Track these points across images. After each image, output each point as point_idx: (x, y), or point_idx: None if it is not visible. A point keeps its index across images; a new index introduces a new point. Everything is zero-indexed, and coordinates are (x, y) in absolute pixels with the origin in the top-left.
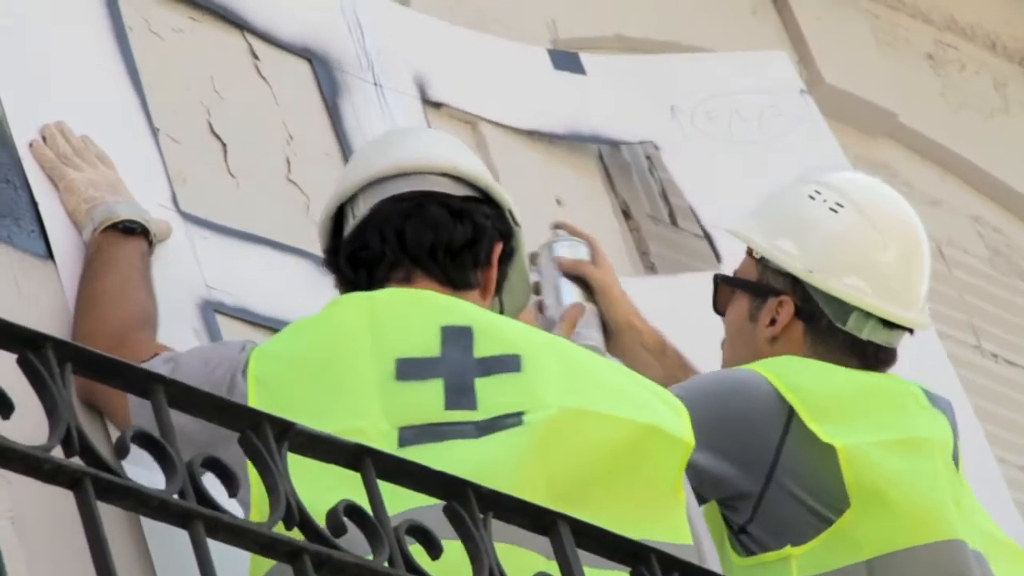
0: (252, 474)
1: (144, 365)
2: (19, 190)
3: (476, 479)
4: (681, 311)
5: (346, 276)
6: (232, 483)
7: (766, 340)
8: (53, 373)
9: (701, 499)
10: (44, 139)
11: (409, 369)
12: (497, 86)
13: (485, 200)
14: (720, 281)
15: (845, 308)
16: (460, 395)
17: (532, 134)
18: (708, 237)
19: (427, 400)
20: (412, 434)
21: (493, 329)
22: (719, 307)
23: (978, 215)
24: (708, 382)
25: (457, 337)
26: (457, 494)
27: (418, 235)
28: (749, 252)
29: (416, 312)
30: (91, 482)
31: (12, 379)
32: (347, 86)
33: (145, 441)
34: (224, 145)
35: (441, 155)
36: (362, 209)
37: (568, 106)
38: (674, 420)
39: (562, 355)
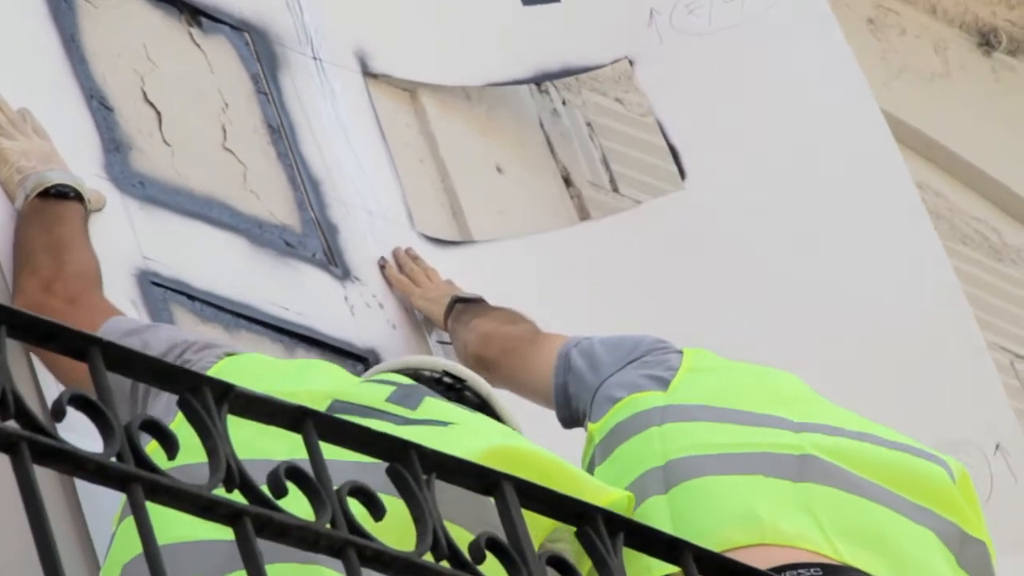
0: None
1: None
2: None
3: None
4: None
5: None
6: (171, 445)
7: None
8: None
9: None
10: None
11: (372, 382)
12: (448, 46)
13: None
14: None
15: None
16: (406, 398)
17: (482, 93)
18: (674, 151)
19: (372, 392)
20: (340, 407)
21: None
22: None
23: (920, 180)
24: None
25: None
26: (400, 456)
27: None
28: None
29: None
30: (27, 446)
31: None
32: (286, 60)
33: (82, 404)
34: (159, 113)
35: (442, 360)
36: None
37: (535, 46)
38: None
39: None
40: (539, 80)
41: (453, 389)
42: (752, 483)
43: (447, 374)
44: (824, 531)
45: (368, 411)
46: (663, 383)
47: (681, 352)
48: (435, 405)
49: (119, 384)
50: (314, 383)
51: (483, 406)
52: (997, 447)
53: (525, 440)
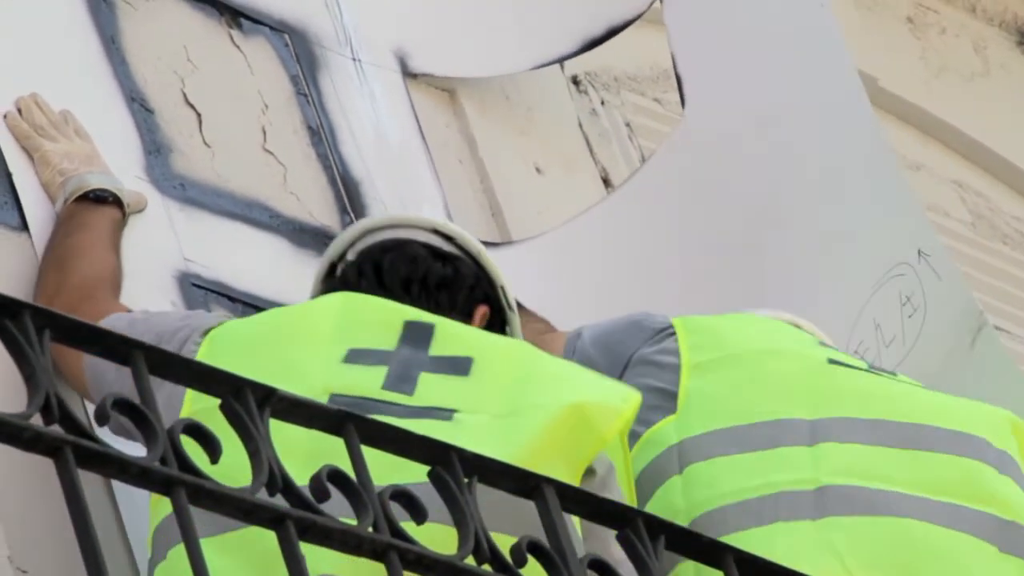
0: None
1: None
2: None
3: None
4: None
5: None
6: (214, 449)
7: None
8: (31, 340)
9: None
10: (19, 111)
11: (358, 356)
12: (490, 34)
13: (477, 267)
14: None
15: None
16: (401, 381)
17: (521, 93)
18: (679, 78)
19: (366, 380)
20: (341, 403)
21: (455, 333)
22: None
23: (960, 180)
24: None
25: (417, 333)
26: (441, 459)
27: (394, 266)
28: None
29: (385, 309)
30: (71, 450)
31: None
32: (326, 61)
33: (125, 408)
34: (199, 115)
35: (431, 217)
36: (350, 259)
37: (575, 17)
38: (607, 392)
39: (520, 363)
40: (586, 49)
41: (448, 260)
42: (772, 532)
43: (436, 232)
44: (848, 569)
45: (367, 403)
46: (670, 398)
47: (671, 331)
48: (432, 384)
49: (103, 373)
50: (306, 375)
51: (477, 268)
52: (920, 253)
53: (520, 418)
